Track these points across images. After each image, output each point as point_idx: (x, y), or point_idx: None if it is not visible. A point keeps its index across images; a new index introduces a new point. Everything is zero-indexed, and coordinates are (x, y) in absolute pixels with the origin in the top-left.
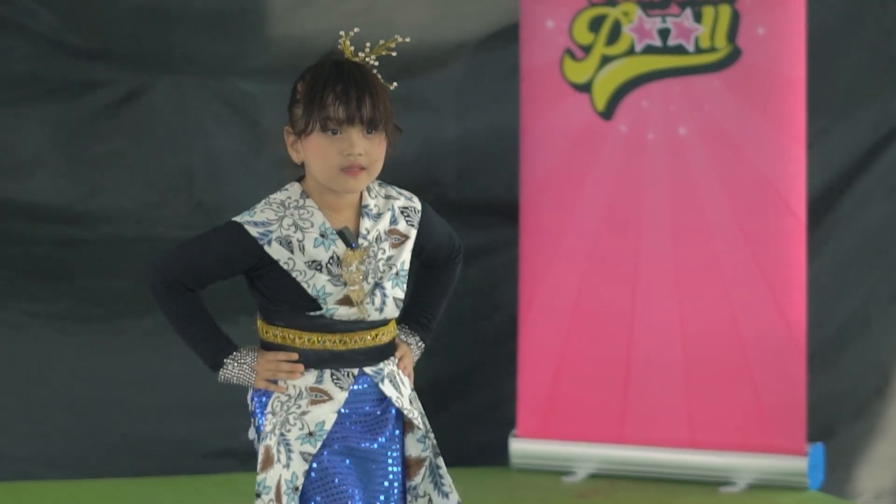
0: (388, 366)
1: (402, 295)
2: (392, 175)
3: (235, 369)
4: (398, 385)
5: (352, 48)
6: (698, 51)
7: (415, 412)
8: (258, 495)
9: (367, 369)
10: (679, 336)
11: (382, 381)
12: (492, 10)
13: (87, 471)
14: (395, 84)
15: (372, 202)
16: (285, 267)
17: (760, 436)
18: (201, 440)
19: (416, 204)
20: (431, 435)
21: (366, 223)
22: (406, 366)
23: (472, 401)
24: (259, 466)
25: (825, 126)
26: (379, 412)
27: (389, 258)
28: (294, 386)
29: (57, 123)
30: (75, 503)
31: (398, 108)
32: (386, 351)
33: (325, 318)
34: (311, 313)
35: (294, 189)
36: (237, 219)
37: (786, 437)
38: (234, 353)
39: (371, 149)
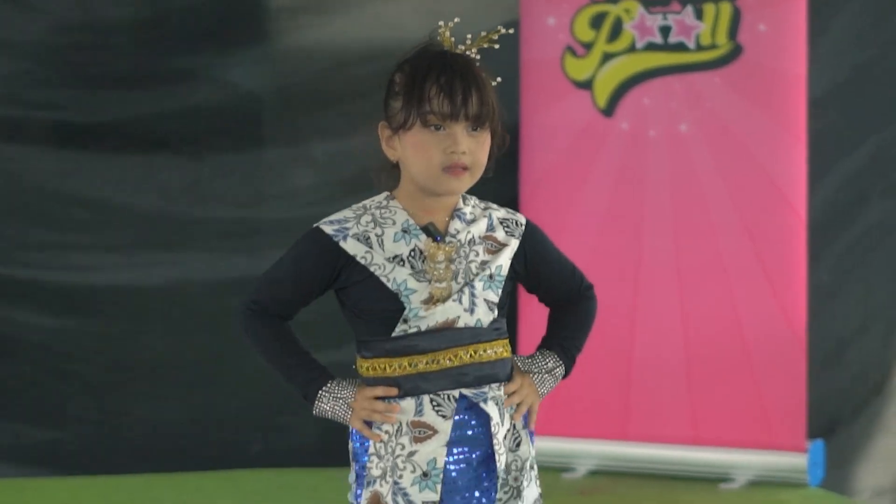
0: (494, 390)
1: (495, 299)
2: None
3: (330, 403)
4: (503, 414)
5: (452, 39)
6: (699, 48)
7: (503, 450)
8: None
9: (467, 391)
10: (680, 333)
11: (486, 402)
12: (492, 7)
13: (87, 468)
14: (499, 79)
15: (468, 209)
16: (363, 262)
17: (761, 433)
18: (202, 436)
19: (520, 218)
20: (522, 478)
21: (456, 224)
22: (516, 400)
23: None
24: None
25: (827, 122)
26: (484, 454)
27: (483, 262)
28: (394, 423)
29: None
30: (76, 501)
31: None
32: (491, 375)
33: (412, 335)
34: (396, 332)
35: (380, 196)
36: (317, 224)
37: (786, 434)
38: (330, 385)
39: (475, 148)
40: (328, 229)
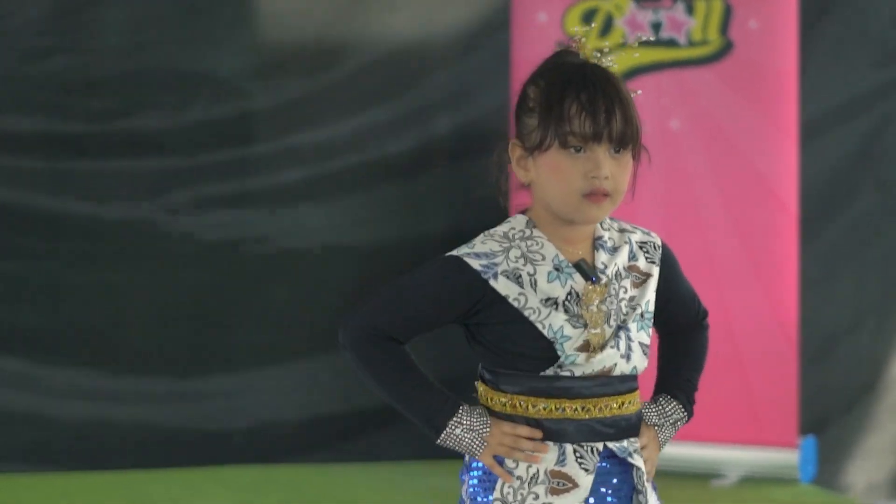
0: (634, 444)
1: (648, 341)
2: (384, 168)
3: (462, 434)
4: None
5: (589, 47)
6: (690, 44)
7: (652, 498)
8: None
9: (612, 445)
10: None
11: (631, 455)
12: (484, 4)
13: (77, 464)
14: (639, 91)
15: (606, 234)
16: (515, 304)
17: (752, 429)
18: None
19: (656, 239)
20: None
21: (602, 256)
22: (647, 457)
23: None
24: None
25: (818, 119)
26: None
27: (632, 298)
28: (529, 466)
29: None
30: (66, 497)
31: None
32: (633, 426)
33: (564, 377)
34: (547, 372)
35: (518, 220)
36: (454, 252)
37: (777, 431)
38: (460, 413)
39: (618, 172)
40: (474, 264)
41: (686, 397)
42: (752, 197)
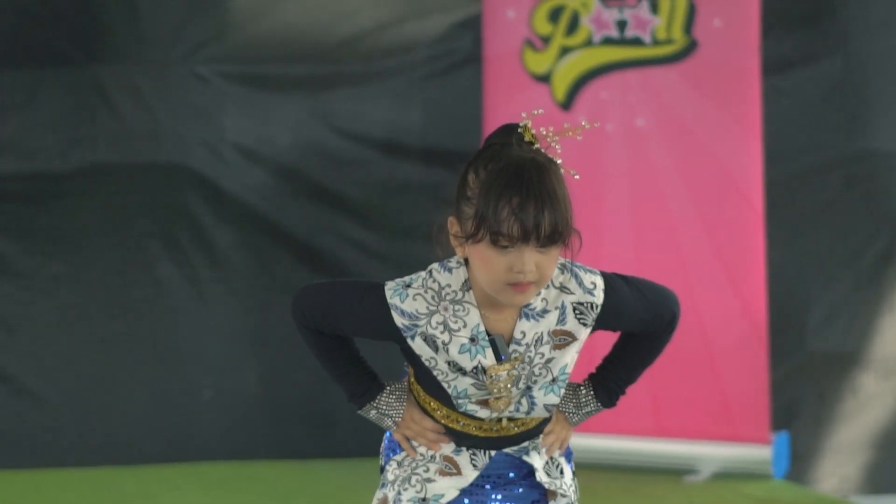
0: (535, 442)
1: (556, 401)
2: (359, 165)
3: (377, 416)
4: (541, 453)
5: (533, 132)
6: (655, 42)
7: (557, 483)
8: None
9: (509, 450)
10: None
11: (528, 454)
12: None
13: (51, 460)
14: (577, 176)
15: (538, 299)
16: (427, 364)
17: (724, 425)
18: (165, 427)
19: (596, 298)
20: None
21: (523, 325)
22: (553, 441)
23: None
24: None
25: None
26: (513, 475)
27: (548, 361)
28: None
29: None
30: (38, 492)
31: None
32: (533, 432)
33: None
34: (454, 398)
35: (458, 275)
36: (388, 294)
37: (750, 426)
38: (379, 398)
39: (544, 262)
40: (398, 321)
41: (608, 394)
42: (718, 194)
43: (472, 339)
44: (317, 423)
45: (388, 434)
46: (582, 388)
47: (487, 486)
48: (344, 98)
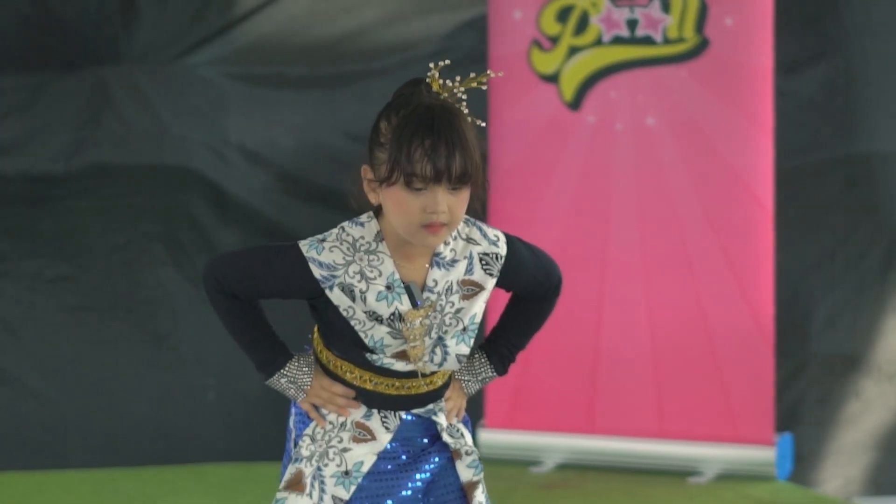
0: (440, 404)
1: (466, 351)
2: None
3: (286, 384)
4: (442, 419)
5: (440, 81)
6: (666, 41)
7: (461, 441)
8: None
9: (417, 410)
10: (647, 326)
11: (435, 414)
12: (461, 0)
13: (54, 461)
14: (482, 122)
15: (447, 249)
16: (344, 314)
17: (728, 426)
18: (168, 428)
19: (500, 249)
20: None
21: (435, 273)
22: (451, 408)
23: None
24: (283, 484)
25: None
26: (427, 441)
27: (458, 311)
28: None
29: None
30: (40, 494)
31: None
32: (439, 393)
33: (378, 364)
34: (369, 355)
35: (370, 228)
36: (304, 248)
37: (754, 428)
38: (287, 367)
39: (455, 204)
40: (316, 272)
41: (501, 360)
42: (728, 195)
43: (388, 287)
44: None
45: (295, 408)
46: (476, 356)
47: (403, 456)
48: (348, 98)
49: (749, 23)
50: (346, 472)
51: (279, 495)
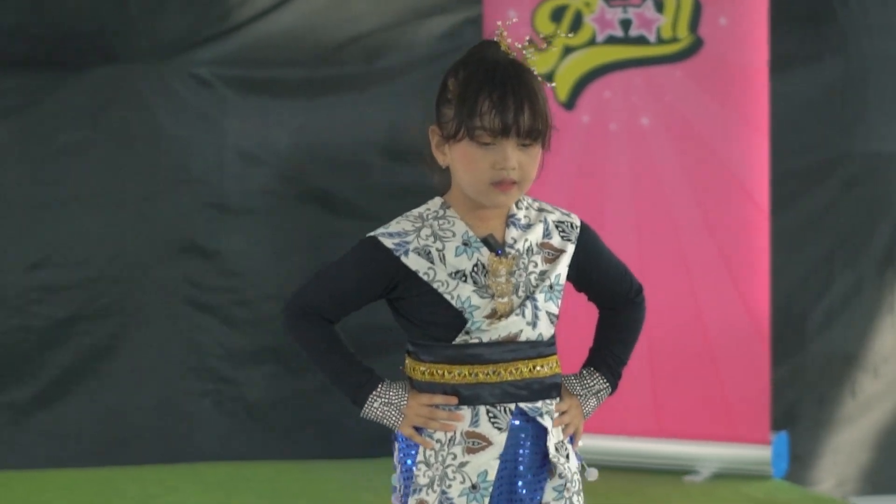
0: (549, 406)
1: (556, 310)
2: (362, 163)
3: (381, 408)
4: (553, 427)
5: (509, 40)
6: (660, 41)
7: (561, 459)
8: None
9: (524, 405)
10: (643, 326)
11: (542, 416)
12: (456, 1)
13: (52, 461)
14: (553, 84)
15: (521, 212)
16: (425, 278)
17: (725, 425)
18: (166, 429)
19: (574, 219)
20: (572, 488)
21: (512, 232)
22: (566, 421)
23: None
24: None
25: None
26: (537, 453)
27: (543, 272)
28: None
29: None
30: (39, 493)
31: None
32: (546, 389)
33: (473, 345)
34: (457, 340)
35: (434, 202)
36: (371, 233)
37: (750, 427)
38: (380, 388)
39: (526, 161)
40: (388, 242)
41: (610, 371)
42: (723, 194)
43: (465, 243)
44: (318, 425)
45: (399, 441)
46: (583, 372)
47: (515, 450)
48: (345, 101)
49: (743, 22)
50: (474, 486)
51: None
